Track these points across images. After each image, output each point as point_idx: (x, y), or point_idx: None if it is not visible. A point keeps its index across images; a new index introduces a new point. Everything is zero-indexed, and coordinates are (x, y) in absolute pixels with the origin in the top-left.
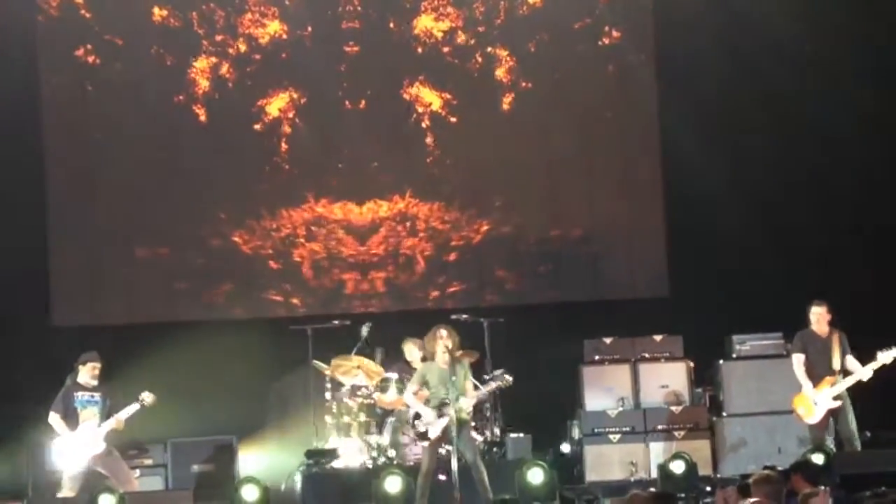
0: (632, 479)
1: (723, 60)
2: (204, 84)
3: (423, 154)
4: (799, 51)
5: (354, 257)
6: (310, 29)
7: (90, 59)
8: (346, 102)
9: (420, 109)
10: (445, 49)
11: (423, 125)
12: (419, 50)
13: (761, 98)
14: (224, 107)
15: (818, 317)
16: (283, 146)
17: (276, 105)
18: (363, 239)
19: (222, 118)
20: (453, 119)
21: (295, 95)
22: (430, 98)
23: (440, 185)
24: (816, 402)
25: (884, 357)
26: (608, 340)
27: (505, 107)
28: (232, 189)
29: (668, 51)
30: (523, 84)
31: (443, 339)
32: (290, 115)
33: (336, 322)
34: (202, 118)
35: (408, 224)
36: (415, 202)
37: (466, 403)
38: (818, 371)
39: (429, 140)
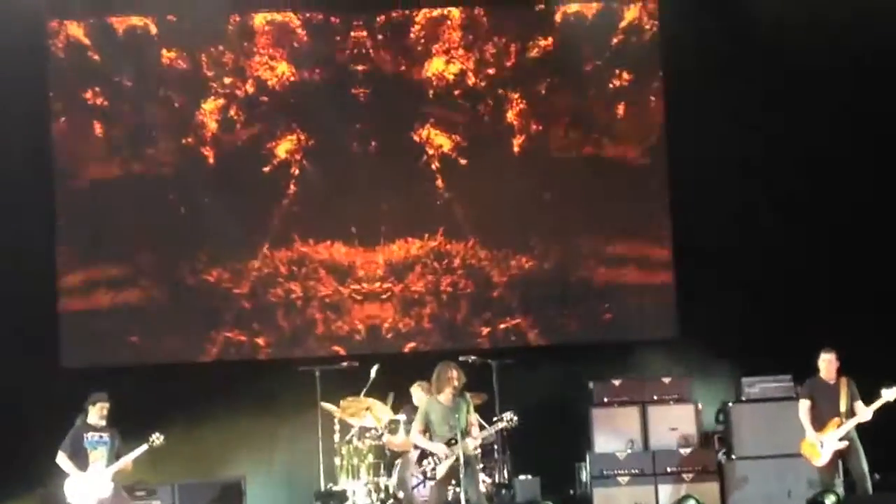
0: None
1: (732, 99)
2: (212, 126)
3: (432, 195)
4: (809, 84)
5: (356, 296)
6: (318, 71)
7: (98, 100)
8: (355, 145)
9: (430, 151)
10: (456, 92)
11: (433, 167)
12: (430, 93)
13: (774, 137)
14: (232, 149)
15: (827, 364)
16: (292, 188)
17: (284, 147)
18: (362, 278)
19: (230, 160)
20: (463, 161)
21: (303, 137)
22: (440, 140)
23: (448, 224)
24: (822, 443)
25: (888, 395)
26: (617, 382)
27: (515, 149)
28: (237, 228)
29: (677, 93)
30: (534, 127)
31: (452, 380)
32: (298, 157)
33: (345, 364)
34: (210, 160)
35: (416, 266)
36: (422, 243)
37: (472, 444)
38: (825, 415)
39: (438, 182)
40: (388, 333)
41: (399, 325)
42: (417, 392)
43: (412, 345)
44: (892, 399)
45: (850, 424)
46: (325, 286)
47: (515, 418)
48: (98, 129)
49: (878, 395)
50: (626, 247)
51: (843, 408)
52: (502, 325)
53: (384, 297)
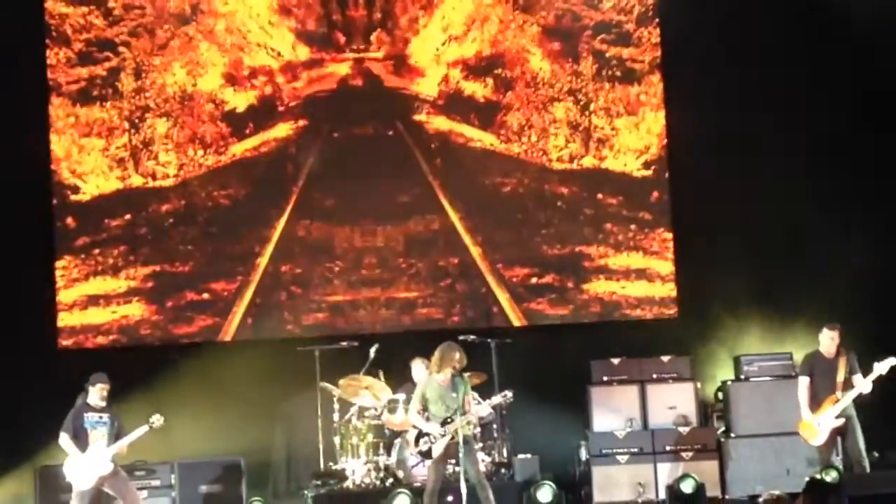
0: (640, 501)
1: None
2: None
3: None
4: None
5: (360, 278)
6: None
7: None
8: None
9: (432, 147)
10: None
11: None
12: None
13: (769, 126)
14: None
15: (828, 340)
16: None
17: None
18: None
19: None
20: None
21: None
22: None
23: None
24: (819, 423)
25: (880, 367)
26: (616, 361)
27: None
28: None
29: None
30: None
31: (454, 361)
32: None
33: (344, 343)
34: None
35: (415, 246)
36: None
37: (470, 420)
38: (823, 392)
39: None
40: (387, 313)
41: (398, 305)
42: (418, 367)
43: (411, 324)
44: (885, 371)
45: (847, 399)
46: (322, 266)
47: (510, 394)
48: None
49: (870, 370)
50: (626, 224)
51: (840, 379)
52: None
53: (384, 278)
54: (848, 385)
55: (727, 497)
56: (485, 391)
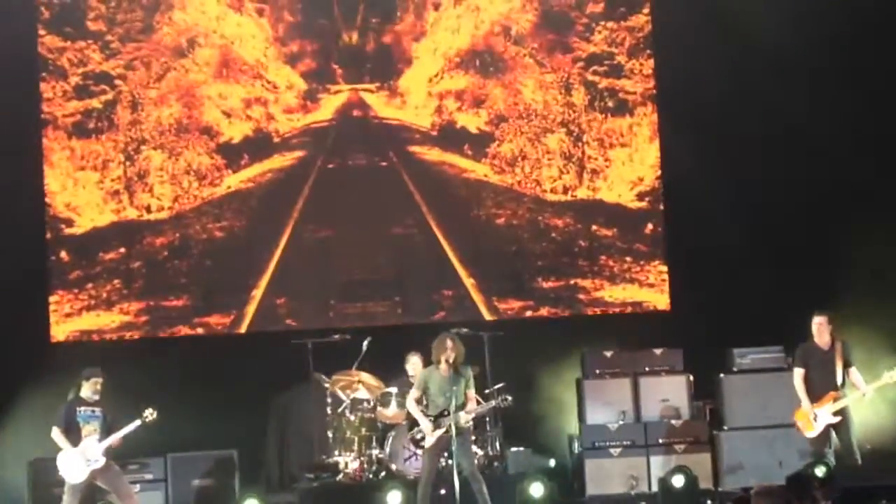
0: (632, 493)
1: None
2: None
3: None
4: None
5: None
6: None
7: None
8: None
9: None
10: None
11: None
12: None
13: (761, 117)
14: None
15: (819, 327)
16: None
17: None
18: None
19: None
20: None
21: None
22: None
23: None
24: (816, 416)
25: (888, 377)
26: (609, 354)
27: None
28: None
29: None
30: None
31: (447, 350)
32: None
33: (336, 336)
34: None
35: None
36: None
37: (464, 417)
38: (819, 383)
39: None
40: (380, 307)
41: (392, 299)
42: (413, 361)
43: (405, 318)
44: (892, 381)
45: (850, 400)
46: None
47: (510, 398)
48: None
49: (878, 376)
50: (617, 216)
51: (838, 377)
52: (494, 299)
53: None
54: (845, 372)
55: (720, 489)
56: (477, 384)
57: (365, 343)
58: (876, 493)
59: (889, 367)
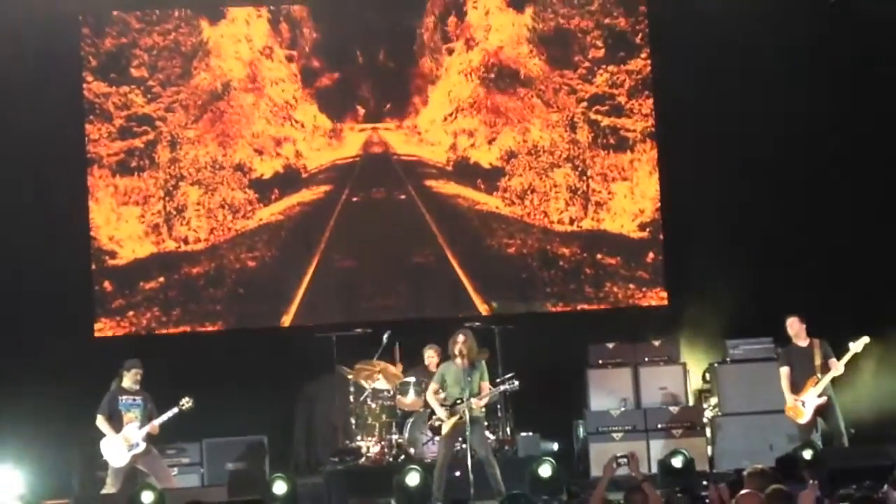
0: (633, 474)
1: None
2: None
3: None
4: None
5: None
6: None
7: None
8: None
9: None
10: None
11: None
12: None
13: (758, 117)
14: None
15: (791, 327)
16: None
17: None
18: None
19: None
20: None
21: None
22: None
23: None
24: (804, 402)
25: (855, 347)
26: (611, 346)
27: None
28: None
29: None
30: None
31: (458, 344)
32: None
33: (359, 330)
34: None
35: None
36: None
37: (475, 402)
38: (801, 377)
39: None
40: (400, 303)
41: (410, 296)
42: (429, 353)
43: (421, 313)
44: (859, 349)
45: (826, 380)
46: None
47: (517, 383)
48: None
49: (847, 349)
50: (618, 217)
51: (817, 363)
52: (503, 293)
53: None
54: (825, 368)
55: (715, 471)
56: (489, 371)
57: (385, 336)
58: (861, 475)
59: (853, 341)
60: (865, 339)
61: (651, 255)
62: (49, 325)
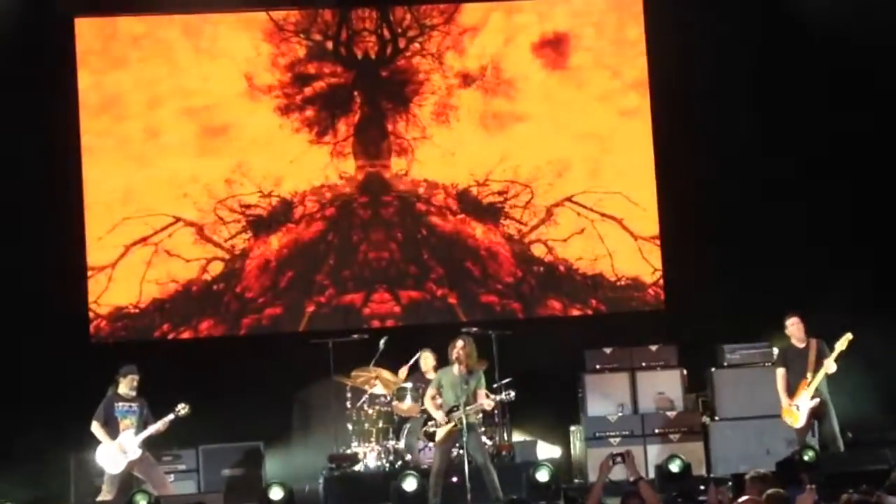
0: (630, 479)
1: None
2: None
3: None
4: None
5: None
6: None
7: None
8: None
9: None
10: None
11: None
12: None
13: (758, 117)
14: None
15: (790, 328)
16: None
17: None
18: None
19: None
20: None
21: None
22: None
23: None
24: (798, 406)
25: (839, 345)
26: (608, 350)
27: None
28: None
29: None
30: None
31: (456, 349)
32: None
33: (355, 336)
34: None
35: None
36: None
37: (471, 408)
38: (795, 380)
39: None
40: (395, 309)
41: (405, 302)
42: (425, 358)
43: (417, 319)
44: (844, 347)
45: (818, 379)
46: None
47: (513, 393)
48: None
49: (832, 348)
50: (614, 223)
51: (810, 362)
52: (503, 302)
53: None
54: (818, 367)
55: (712, 475)
56: (486, 378)
57: (382, 342)
58: (857, 479)
59: (837, 338)
60: (849, 336)
61: (648, 259)
62: (45, 329)
